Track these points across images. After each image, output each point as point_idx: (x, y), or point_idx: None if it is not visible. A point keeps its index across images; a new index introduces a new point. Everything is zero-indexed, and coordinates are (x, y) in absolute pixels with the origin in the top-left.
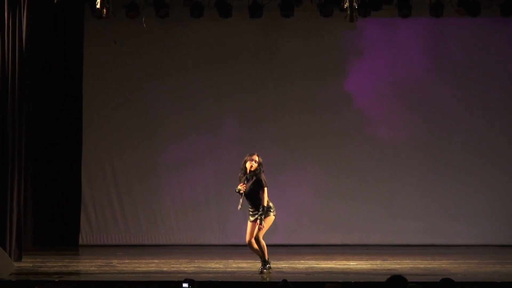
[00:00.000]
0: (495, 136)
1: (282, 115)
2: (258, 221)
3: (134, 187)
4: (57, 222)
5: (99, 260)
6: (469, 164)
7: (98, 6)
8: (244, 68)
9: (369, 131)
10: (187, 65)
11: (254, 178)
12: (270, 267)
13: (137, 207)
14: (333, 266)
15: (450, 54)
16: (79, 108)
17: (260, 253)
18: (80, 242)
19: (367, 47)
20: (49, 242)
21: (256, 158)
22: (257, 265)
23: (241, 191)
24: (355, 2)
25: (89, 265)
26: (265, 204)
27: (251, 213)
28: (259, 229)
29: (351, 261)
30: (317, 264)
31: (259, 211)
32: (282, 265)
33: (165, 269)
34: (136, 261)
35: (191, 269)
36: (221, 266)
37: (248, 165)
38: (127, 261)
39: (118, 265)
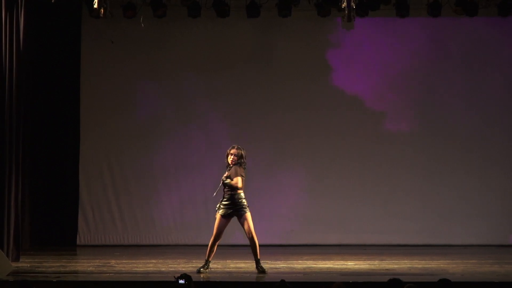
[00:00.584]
0: (493, 136)
1: (280, 115)
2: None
3: (131, 187)
4: (55, 222)
5: (97, 260)
6: (467, 164)
7: (95, 6)
8: (242, 68)
9: (367, 131)
10: (184, 65)
11: (231, 170)
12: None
13: (135, 207)
14: (331, 266)
15: (448, 54)
16: (77, 108)
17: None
18: (78, 242)
19: (365, 47)
20: (47, 242)
21: (234, 151)
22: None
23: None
24: (353, 2)
25: (87, 265)
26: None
27: (222, 206)
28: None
29: (349, 261)
30: (315, 264)
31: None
32: (280, 265)
33: (163, 269)
34: (133, 261)
35: (189, 269)
36: (219, 266)
37: (229, 158)
38: (124, 261)
39: (116, 265)
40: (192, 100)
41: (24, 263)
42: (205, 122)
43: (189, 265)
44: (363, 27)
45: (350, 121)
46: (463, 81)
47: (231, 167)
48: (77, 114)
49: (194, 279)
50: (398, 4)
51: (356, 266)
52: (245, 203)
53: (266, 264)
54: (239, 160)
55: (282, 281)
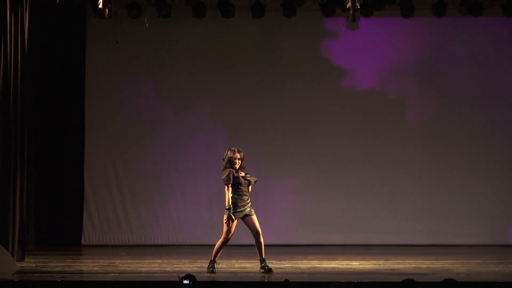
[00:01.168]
0: (497, 136)
1: (284, 115)
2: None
3: (136, 187)
4: (59, 222)
5: (102, 260)
6: (472, 164)
7: (100, 6)
8: (246, 68)
9: (371, 130)
10: (189, 65)
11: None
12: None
13: (140, 207)
14: (336, 266)
15: (452, 54)
16: (81, 108)
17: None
18: (83, 242)
19: (369, 47)
20: (51, 242)
21: (241, 155)
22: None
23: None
24: (358, 2)
25: (91, 265)
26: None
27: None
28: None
29: (353, 261)
30: (320, 264)
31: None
32: (284, 265)
33: (167, 269)
34: (138, 261)
35: (193, 269)
36: (224, 266)
37: (238, 163)
38: (129, 261)
39: (121, 265)
40: (197, 100)
41: (29, 263)
42: (209, 122)
43: (194, 265)
44: (367, 27)
45: (355, 121)
46: (467, 81)
47: (239, 169)
48: (82, 114)
49: (198, 279)
50: (402, 4)
51: (360, 266)
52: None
53: (271, 264)
54: (243, 163)
55: (286, 281)
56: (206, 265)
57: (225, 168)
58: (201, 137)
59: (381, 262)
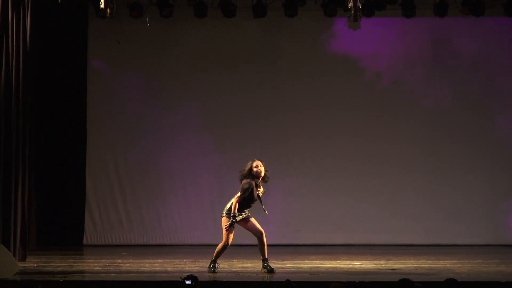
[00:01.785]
0: (499, 136)
1: (286, 115)
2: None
3: (138, 187)
4: (61, 222)
5: (103, 260)
6: (473, 164)
7: (102, 6)
8: (248, 68)
9: (374, 131)
10: (190, 64)
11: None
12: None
13: (141, 207)
14: (337, 265)
15: (454, 54)
16: (83, 108)
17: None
18: (84, 242)
19: (371, 47)
20: (53, 242)
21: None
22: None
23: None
24: (359, 2)
25: (93, 265)
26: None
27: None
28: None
29: (355, 261)
30: (321, 264)
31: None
32: (286, 265)
33: (169, 269)
34: (140, 261)
35: (195, 269)
36: (226, 266)
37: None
38: (131, 261)
39: (122, 265)
40: (199, 100)
41: (31, 263)
42: (212, 122)
43: (196, 265)
44: (369, 27)
45: (356, 121)
46: (469, 80)
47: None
48: (84, 114)
49: (200, 279)
50: (404, 4)
51: (362, 265)
52: None
53: (273, 264)
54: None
55: (288, 281)
56: (207, 265)
57: (246, 177)
58: (203, 137)
59: (382, 262)
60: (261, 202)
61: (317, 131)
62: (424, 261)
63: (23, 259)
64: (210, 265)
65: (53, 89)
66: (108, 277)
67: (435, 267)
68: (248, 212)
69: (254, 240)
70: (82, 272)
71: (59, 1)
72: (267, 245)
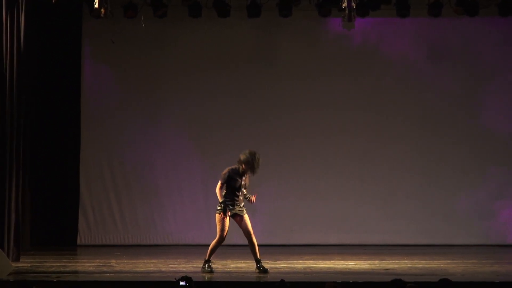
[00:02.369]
0: (494, 136)
1: (280, 115)
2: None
3: (132, 187)
4: (55, 222)
5: (97, 260)
6: (468, 164)
7: (96, 6)
8: (243, 68)
9: (368, 131)
10: (185, 64)
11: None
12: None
13: (135, 207)
14: (331, 266)
15: (448, 54)
16: (77, 108)
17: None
18: (78, 242)
19: (365, 47)
20: (47, 242)
21: None
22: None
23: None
24: (354, 1)
25: (87, 265)
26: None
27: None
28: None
29: (349, 261)
30: (315, 264)
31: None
32: (280, 265)
33: (163, 269)
34: (134, 261)
35: (189, 269)
36: (219, 266)
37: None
38: (125, 261)
39: (116, 265)
40: (193, 100)
41: (25, 263)
42: (206, 122)
43: (190, 265)
44: (363, 27)
45: (351, 121)
46: (464, 81)
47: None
48: (78, 114)
49: (194, 279)
50: (398, 4)
51: (356, 266)
52: None
53: (267, 264)
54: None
55: (282, 281)
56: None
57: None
58: (198, 137)
59: (376, 262)
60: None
61: (311, 131)
62: (418, 261)
63: (17, 259)
64: (204, 265)
65: (47, 89)
66: (102, 277)
67: (429, 267)
68: (243, 207)
69: (246, 241)
70: (76, 272)
71: (53, 1)
72: (258, 245)
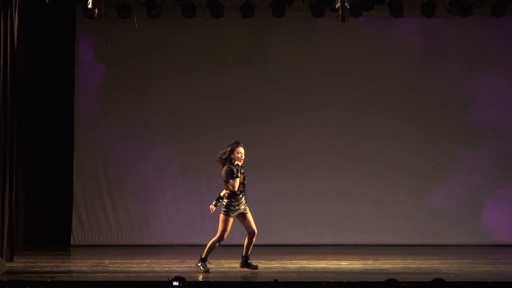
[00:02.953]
0: (487, 135)
1: (274, 115)
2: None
3: (126, 187)
4: (49, 222)
5: (91, 260)
6: (462, 164)
7: (90, 6)
8: (236, 68)
9: (361, 131)
10: (179, 65)
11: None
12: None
13: (129, 207)
14: (325, 266)
15: (442, 54)
16: (71, 108)
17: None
18: (72, 242)
19: (359, 47)
20: (41, 242)
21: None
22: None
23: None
24: (347, 2)
25: (81, 265)
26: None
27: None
28: None
29: (342, 261)
30: (309, 264)
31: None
32: (273, 265)
33: (156, 269)
34: (127, 261)
35: (183, 269)
36: (213, 266)
37: (242, 158)
38: (118, 261)
39: (110, 265)
40: (187, 100)
41: (18, 263)
42: (200, 122)
43: (183, 265)
44: (357, 27)
45: (345, 121)
46: (457, 80)
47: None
48: (72, 113)
49: (187, 279)
50: (392, 5)
51: (350, 266)
52: None
53: (261, 264)
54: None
55: (275, 281)
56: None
57: (224, 163)
58: (191, 137)
59: (370, 262)
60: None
61: (305, 131)
62: (411, 261)
63: (11, 259)
64: (199, 263)
65: (41, 89)
66: (96, 277)
67: (422, 267)
68: (245, 205)
69: (241, 241)
70: (69, 272)
71: (47, 1)
72: (254, 245)
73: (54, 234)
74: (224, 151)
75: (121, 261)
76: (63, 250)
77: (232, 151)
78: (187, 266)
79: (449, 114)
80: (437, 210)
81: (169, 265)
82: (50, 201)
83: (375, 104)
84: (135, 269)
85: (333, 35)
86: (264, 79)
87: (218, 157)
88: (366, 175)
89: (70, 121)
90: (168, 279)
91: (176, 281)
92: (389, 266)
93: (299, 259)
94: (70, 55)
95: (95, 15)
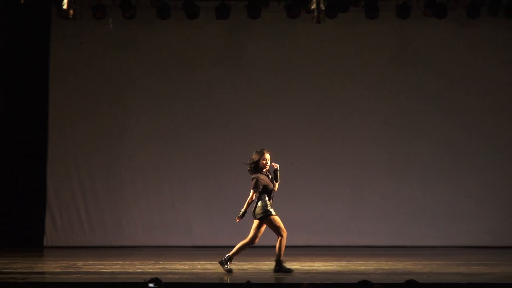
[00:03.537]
0: (458, 136)
1: (249, 116)
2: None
3: (99, 189)
4: (21, 224)
5: (64, 262)
6: (435, 166)
7: (65, 7)
8: (212, 69)
9: (334, 132)
10: (154, 65)
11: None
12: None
13: (102, 209)
14: (298, 267)
15: (416, 55)
16: (45, 109)
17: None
18: (45, 243)
19: (334, 48)
20: (13, 244)
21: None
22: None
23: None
24: (322, 3)
25: (53, 267)
26: None
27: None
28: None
29: (316, 262)
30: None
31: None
32: (247, 266)
33: (130, 270)
34: (100, 262)
35: (156, 270)
36: (186, 267)
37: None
38: (91, 262)
39: (83, 266)
40: (162, 102)
41: None
42: (174, 124)
43: (156, 267)
44: (332, 28)
45: (318, 122)
46: (432, 81)
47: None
48: (46, 114)
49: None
50: (367, 6)
51: (323, 267)
52: None
53: (234, 266)
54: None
55: (248, 282)
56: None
57: (253, 172)
58: (165, 139)
59: (343, 263)
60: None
61: (278, 132)
62: (385, 262)
63: None
64: (225, 260)
65: (15, 89)
66: (69, 278)
67: (395, 269)
68: (273, 209)
69: (216, 242)
70: (42, 273)
71: (22, 2)
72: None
73: (27, 235)
74: (252, 159)
75: (94, 262)
76: (36, 251)
77: (259, 159)
78: (160, 267)
79: (423, 114)
80: (410, 211)
81: (142, 267)
82: (23, 202)
83: (348, 105)
84: (108, 270)
85: (308, 37)
86: (239, 80)
87: (248, 165)
88: (338, 176)
89: (44, 122)
90: (144, 280)
91: (152, 283)
92: (362, 267)
93: (273, 261)
94: (44, 56)
95: (70, 16)
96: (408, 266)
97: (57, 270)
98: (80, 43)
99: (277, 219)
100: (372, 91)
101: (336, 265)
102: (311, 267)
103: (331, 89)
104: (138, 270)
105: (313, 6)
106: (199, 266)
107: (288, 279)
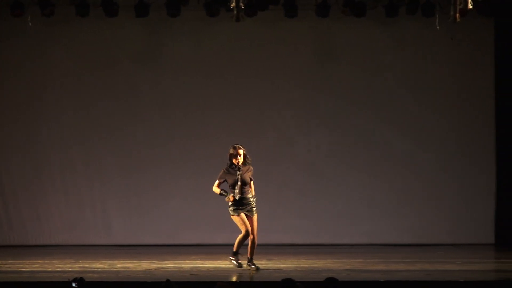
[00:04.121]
0: (380, 134)
1: (169, 114)
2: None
3: (17, 187)
4: None
5: None
6: (354, 162)
7: None
8: (130, 67)
9: (250, 128)
10: (73, 64)
11: (248, 167)
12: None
13: (21, 207)
14: (218, 266)
15: (335, 54)
16: None
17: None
18: None
19: (253, 46)
20: None
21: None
22: (142, 265)
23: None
24: (242, 2)
25: None
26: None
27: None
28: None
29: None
30: (202, 264)
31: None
32: (167, 265)
33: (49, 269)
34: (19, 261)
35: (75, 269)
36: (106, 266)
37: (240, 158)
38: (10, 261)
39: (2, 265)
40: (80, 101)
41: None
42: (94, 122)
43: (76, 265)
44: (252, 27)
45: (238, 119)
46: (352, 80)
47: (241, 166)
48: None
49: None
50: (286, 5)
51: (243, 265)
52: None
53: (154, 264)
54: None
55: (168, 281)
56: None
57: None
58: (84, 138)
59: (263, 261)
60: (236, 185)
61: (201, 131)
62: (304, 260)
63: None
64: (234, 257)
65: None
66: None
67: (315, 267)
68: (251, 208)
69: (136, 240)
70: None
71: None
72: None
73: None
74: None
75: (13, 261)
76: None
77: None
78: (79, 266)
79: (341, 114)
80: (330, 209)
81: (62, 265)
82: None
83: (267, 102)
84: (27, 269)
85: (228, 35)
86: (159, 79)
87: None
88: (259, 174)
89: None
90: (68, 279)
91: (75, 282)
92: (282, 266)
93: (193, 259)
94: None
95: None
96: (328, 264)
97: None
98: None
99: (236, 219)
100: (294, 89)
101: (256, 263)
102: (230, 265)
103: (250, 87)
104: (58, 269)
105: (233, 5)
106: (119, 265)
107: (204, 277)
